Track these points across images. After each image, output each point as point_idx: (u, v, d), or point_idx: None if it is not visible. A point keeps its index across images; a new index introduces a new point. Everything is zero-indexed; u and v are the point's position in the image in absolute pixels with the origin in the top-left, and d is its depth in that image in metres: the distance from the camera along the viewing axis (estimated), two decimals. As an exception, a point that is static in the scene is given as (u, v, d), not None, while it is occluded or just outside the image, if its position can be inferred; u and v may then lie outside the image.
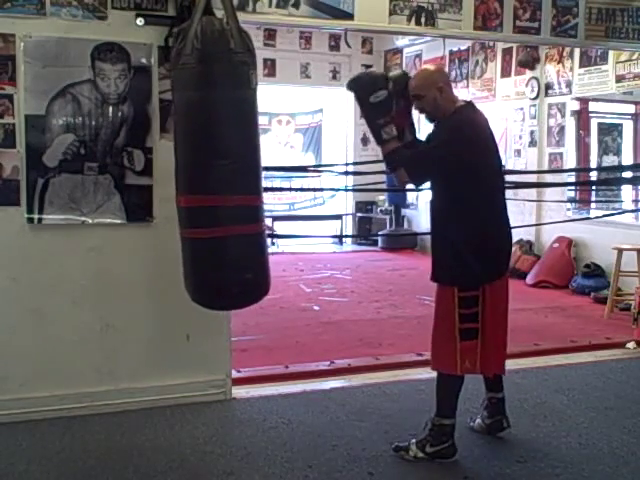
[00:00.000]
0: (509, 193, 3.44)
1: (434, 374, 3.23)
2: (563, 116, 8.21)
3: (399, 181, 3.24)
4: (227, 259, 3.21)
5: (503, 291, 3.22)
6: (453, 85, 3.42)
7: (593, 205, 8.67)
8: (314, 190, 11.46)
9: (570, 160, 8.32)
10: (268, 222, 10.97)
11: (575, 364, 4.72)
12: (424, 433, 3.19)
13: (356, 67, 11.46)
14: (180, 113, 3.25)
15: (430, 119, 3.24)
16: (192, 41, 3.08)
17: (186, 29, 3.14)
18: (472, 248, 3.10)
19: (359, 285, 7.95)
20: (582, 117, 8.52)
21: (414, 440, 3.20)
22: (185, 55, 3.10)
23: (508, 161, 8.69)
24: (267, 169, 11.69)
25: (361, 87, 3.20)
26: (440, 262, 3.21)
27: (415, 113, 3.28)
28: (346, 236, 11.61)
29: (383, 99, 3.14)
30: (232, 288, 3.23)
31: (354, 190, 10.69)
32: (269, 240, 10.42)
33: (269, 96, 11.43)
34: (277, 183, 11.28)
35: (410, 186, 3.37)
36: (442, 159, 3.06)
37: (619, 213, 7.78)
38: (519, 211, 8.08)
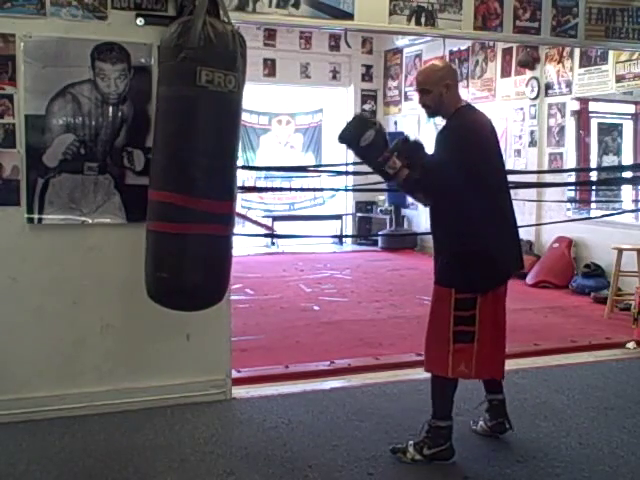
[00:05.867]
0: (510, 193, 3.42)
1: (433, 374, 3.24)
2: (563, 116, 8.22)
3: (424, 202, 3.22)
4: (148, 253, 3.33)
5: (503, 295, 3.20)
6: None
7: (593, 205, 8.68)
8: (314, 190, 11.45)
9: (570, 160, 8.33)
10: (268, 222, 11.00)
11: (575, 364, 4.72)
12: (422, 435, 3.18)
13: (356, 67, 11.48)
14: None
15: (431, 115, 3.23)
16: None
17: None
18: (474, 252, 3.05)
19: (359, 285, 7.95)
20: (582, 117, 8.53)
21: (412, 442, 3.19)
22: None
23: (508, 161, 8.68)
24: (267, 169, 11.74)
25: (349, 137, 3.15)
26: (441, 263, 3.19)
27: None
28: (346, 236, 11.61)
29: (372, 139, 3.09)
30: (147, 282, 3.33)
31: (354, 190, 10.69)
32: (269, 240, 10.46)
33: (269, 96, 11.45)
34: (277, 183, 11.30)
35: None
36: (459, 164, 3.00)
37: (619, 213, 7.79)
38: (519, 211, 7.91)
